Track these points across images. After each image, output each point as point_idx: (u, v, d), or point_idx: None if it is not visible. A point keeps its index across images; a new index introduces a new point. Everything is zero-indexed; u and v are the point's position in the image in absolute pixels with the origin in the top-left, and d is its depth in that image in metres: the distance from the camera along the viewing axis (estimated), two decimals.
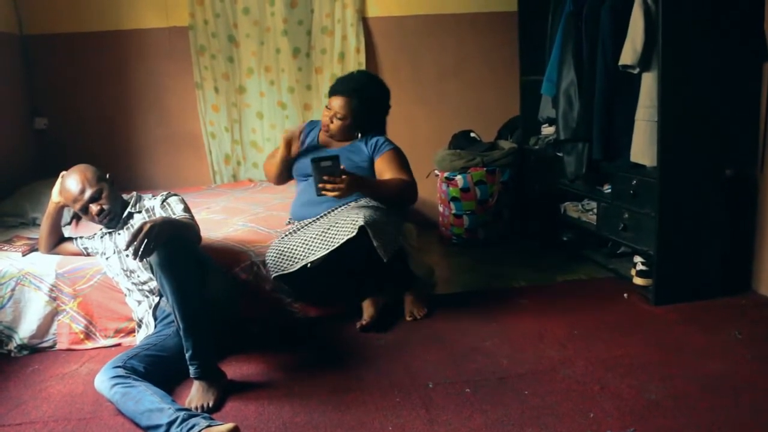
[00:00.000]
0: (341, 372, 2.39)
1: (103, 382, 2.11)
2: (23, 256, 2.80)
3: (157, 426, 1.93)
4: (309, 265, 2.59)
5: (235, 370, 2.42)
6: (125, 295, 2.63)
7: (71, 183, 2.48)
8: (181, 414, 1.93)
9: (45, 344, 2.72)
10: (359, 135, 2.96)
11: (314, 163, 2.53)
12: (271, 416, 2.09)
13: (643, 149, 2.88)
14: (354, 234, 2.49)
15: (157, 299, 2.53)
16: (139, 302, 2.58)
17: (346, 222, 2.56)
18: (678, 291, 2.88)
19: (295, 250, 2.63)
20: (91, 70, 4.25)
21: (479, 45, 4.48)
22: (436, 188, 4.14)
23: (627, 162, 3.02)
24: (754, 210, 2.93)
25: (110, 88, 4.29)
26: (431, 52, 4.47)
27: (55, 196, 2.56)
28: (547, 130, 3.92)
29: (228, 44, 4.29)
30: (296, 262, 2.61)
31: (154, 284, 2.47)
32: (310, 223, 2.79)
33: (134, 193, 2.69)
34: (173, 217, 2.45)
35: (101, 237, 2.67)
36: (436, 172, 4.10)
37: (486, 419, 2.00)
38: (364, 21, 4.36)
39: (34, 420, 2.14)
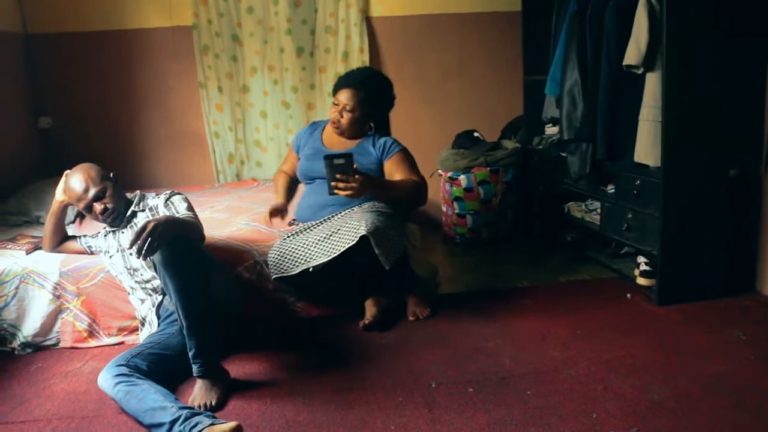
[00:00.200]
0: (344, 371, 2.39)
1: (106, 380, 2.12)
2: (27, 254, 2.80)
3: (160, 424, 1.93)
4: (311, 269, 2.60)
5: (238, 368, 2.42)
6: (128, 293, 2.64)
7: (75, 182, 2.49)
8: (184, 412, 1.94)
9: (48, 342, 2.73)
10: (372, 126, 2.94)
11: (327, 161, 2.51)
12: (273, 415, 2.09)
13: (647, 149, 2.87)
14: (355, 242, 2.51)
15: (160, 298, 2.53)
16: (143, 300, 2.59)
17: (348, 229, 2.56)
18: (681, 291, 2.87)
19: (297, 252, 2.64)
20: (95, 70, 4.26)
21: (483, 45, 4.48)
22: (439, 188, 4.14)
23: (631, 162, 3.02)
24: (758, 210, 2.93)
25: (114, 87, 4.29)
26: (435, 52, 4.47)
27: (59, 194, 2.57)
28: (551, 130, 3.91)
29: (232, 43, 4.30)
30: (297, 266, 2.62)
31: (157, 282, 2.48)
32: (313, 225, 2.79)
33: (138, 192, 2.70)
34: (177, 215, 2.45)
35: (105, 235, 2.67)
36: (440, 171, 4.09)
37: (489, 419, 2.00)
38: (367, 20, 4.36)
39: (37, 418, 2.15)
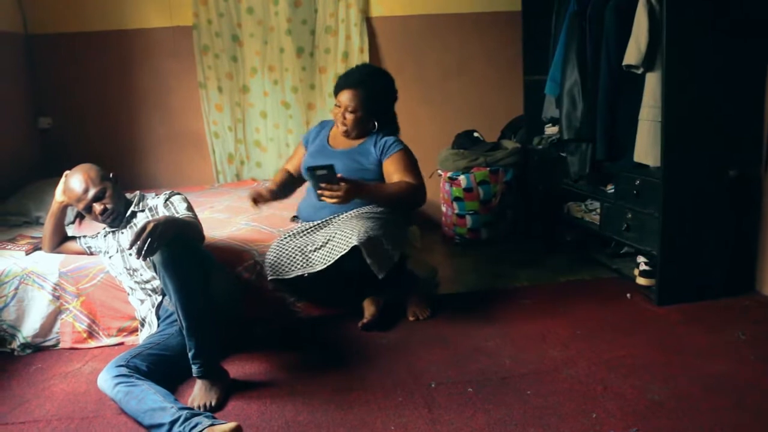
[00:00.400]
0: (344, 371, 2.39)
1: (106, 380, 2.12)
2: (27, 255, 2.80)
3: (160, 425, 1.93)
4: (306, 274, 2.62)
5: (237, 369, 2.42)
6: (128, 294, 2.64)
7: (75, 182, 2.49)
8: (184, 413, 1.94)
9: (48, 343, 2.73)
10: (376, 125, 2.91)
11: (310, 172, 2.53)
12: (273, 415, 2.09)
13: (646, 149, 2.87)
14: (347, 251, 2.51)
15: (160, 298, 2.53)
16: (142, 301, 2.59)
17: (342, 237, 2.57)
18: (681, 291, 2.87)
19: (293, 257, 2.65)
20: (95, 70, 4.26)
21: (483, 45, 4.48)
22: (439, 188, 4.14)
23: (630, 162, 3.02)
24: (757, 210, 2.93)
25: (114, 87, 4.29)
26: (435, 52, 4.47)
27: (59, 195, 2.57)
28: (551, 130, 3.91)
29: (232, 44, 4.30)
30: (293, 270, 2.63)
31: (156, 283, 2.48)
32: (312, 227, 2.79)
33: (137, 192, 2.70)
34: (176, 216, 2.45)
35: (104, 236, 2.67)
36: (440, 171, 4.09)
37: (488, 419, 2.00)
38: (367, 21, 4.36)
39: (37, 418, 2.15)
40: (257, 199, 2.84)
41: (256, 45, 4.30)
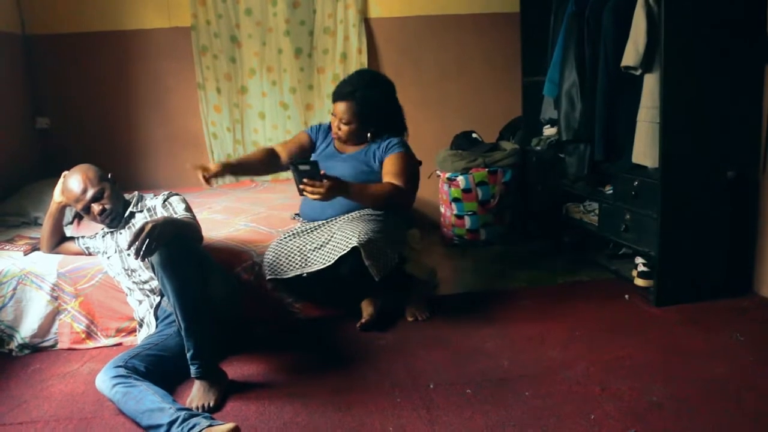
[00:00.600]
0: (342, 372, 2.39)
1: (104, 381, 2.12)
2: (25, 255, 2.80)
3: (158, 426, 1.93)
4: (305, 274, 2.62)
5: (236, 369, 2.42)
6: (126, 294, 2.64)
7: (73, 183, 2.49)
8: (182, 414, 1.94)
9: (46, 343, 2.73)
10: (370, 136, 2.91)
11: (293, 167, 2.52)
12: (271, 416, 2.09)
13: (644, 150, 2.88)
14: (347, 251, 2.52)
15: (158, 299, 2.53)
16: (141, 302, 2.59)
17: (341, 238, 2.58)
18: (679, 292, 2.87)
19: (292, 257, 2.65)
20: (94, 70, 4.26)
21: (481, 46, 4.48)
22: (437, 189, 4.14)
23: (629, 163, 3.02)
24: (755, 211, 2.93)
25: (112, 88, 4.29)
26: (433, 53, 4.47)
27: (57, 195, 2.57)
28: (549, 131, 3.91)
29: (230, 44, 4.30)
30: (291, 270, 2.63)
31: (155, 283, 2.47)
32: (313, 227, 2.79)
33: (136, 193, 2.70)
34: (175, 216, 2.45)
35: (103, 236, 2.67)
36: (438, 172, 4.09)
37: (487, 420, 2.00)
38: (366, 22, 4.37)
39: (35, 419, 2.14)
40: (205, 175, 2.68)
41: (255, 46, 4.30)
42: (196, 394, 2.16)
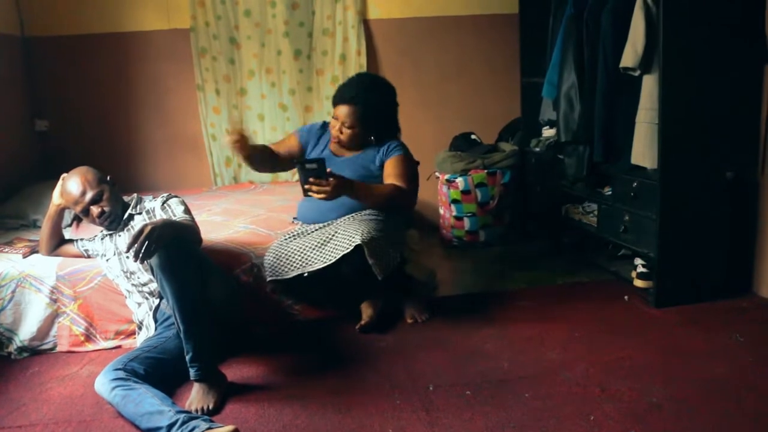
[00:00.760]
0: (342, 374, 2.39)
1: (103, 384, 2.11)
2: (24, 258, 2.80)
3: (158, 428, 1.93)
4: (305, 274, 2.61)
5: (235, 372, 2.41)
6: (125, 297, 2.64)
7: (72, 185, 2.49)
8: (182, 416, 1.93)
9: (45, 346, 2.72)
10: (372, 139, 2.91)
11: (299, 165, 2.52)
12: (271, 418, 2.09)
13: (643, 151, 2.88)
14: (350, 250, 2.52)
15: (157, 301, 2.53)
16: (140, 304, 2.58)
17: (344, 236, 2.57)
18: (679, 293, 2.87)
19: (293, 257, 2.64)
20: (93, 72, 4.25)
21: (480, 47, 4.49)
22: (436, 190, 4.14)
23: (628, 164, 3.02)
24: (754, 212, 2.93)
25: (111, 90, 4.29)
26: (432, 55, 4.47)
27: (56, 198, 2.56)
28: (548, 132, 3.91)
29: (229, 46, 4.30)
30: (292, 270, 2.63)
31: (154, 286, 2.47)
32: (313, 230, 2.79)
33: (135, 195, 2.70)
34: (174, 218, 2.45)
35: (102, 239, 2.67)
36: (437, 174, 4.09)
37: (487, 422, 2.00)
38: (365, 23, 4.37)
39: (34, 422, 2.14)
40: (239, 141, 2.65)
41: (254, 47, 4.30)
42: (196, 396, 2.16)
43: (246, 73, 4.34)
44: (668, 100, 2.70)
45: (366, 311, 2.76)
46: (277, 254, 2.69)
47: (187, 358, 2.17)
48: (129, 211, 2.60)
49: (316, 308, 2.87)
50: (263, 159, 2.89)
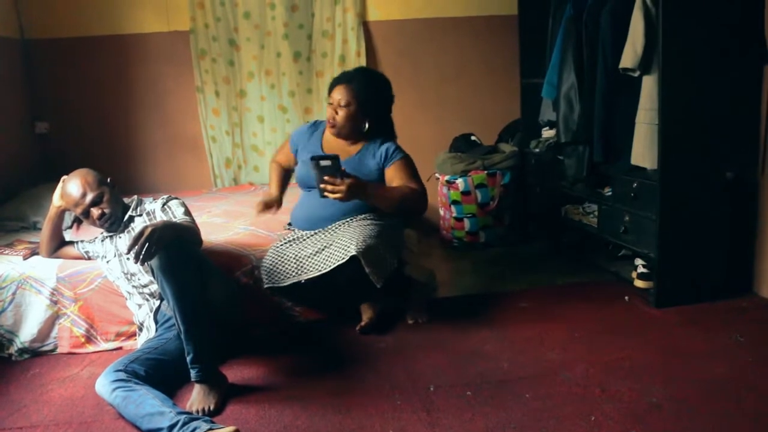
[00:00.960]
0: (342, 375, 2.39)
1: (104, 385, 2.11)
2: (24, 260, 2.80)
3: (158, 429, 1.93)
4: (302, 281, 2.61)
5: (236, 373, 2.41)
6: (126, 298, 2.64)
7: (72, 187, 2.49)
8: (182, 417, 1.94)
9: (46, 348, 2.72)
10: (367, 125, 2.83)
11: (313, 162, 2.44)
12: (271, 419, 2.09)
13: (643, 152, 2.88)
14: (345, 260, 2.50)
15: (157, 303, 2.53)
16: (140, 306, 2.59)
17: (339, 246, 2.55)
18: (679, 294, 2.87)
19: (288, 264, 2.64)
20: (92, 75, 4.26)
21: (480, 48, 4.49)
22: (436, 191, 4.14)
23: (627, 165, 3.02)
24: (754, 213, 2.93)
25: (111, 92, 4.30)
26: (432, 56, 4.48)
27: (57, 200, 2.57)
28: (548, 133, 3.92)
29: (229, 48, 4.30)
30: (288, 278, 2.62)
31: (154, 287, 2.47)
32: (310, 235, 2.76)
33: (135, 197, 2.70)
34: (174, 220, 2.45)
35: (102, 240, 2.67)
36: (437, 175, 4.10)
37: (487, 422, 2.00)
38: (364, 25, 4.37)
39: (35, 424, 2.14)
40: (267, 206, 2.93)
41: (253, 49, 4.31)
42: (196, 397, 2.16)
43: (245, 75, 4.34)
44: (668, 101, 2.71)
45: (366, 312, 2.76)
46: (273, 260, 2.68)
47: (188, 359, 2.17)
48: (129, 213, 2.60)
49: (316, 310, 2.87)
50: (286, 183, 3.10)
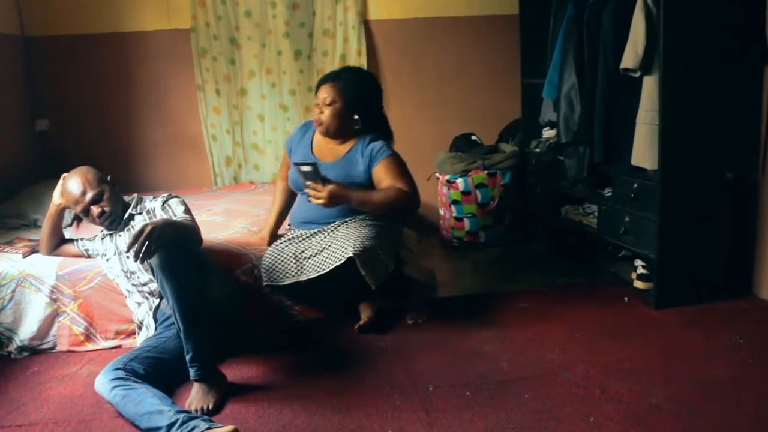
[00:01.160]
0: (341, 374, 2.39)
1: (103, 384, 2.11)
2: (24, 257, 2.80)
3: (157, 428, 1.93)
4: (301, 281, 2.62)
5: (235, 372, 2.41)
6: (125, 296, 2.64)
7: (72, 185, 2.49)
8: (181, 416, 1.93)
9: (45, 346, 2.72)
10: (358, 120, 2.77)
11: (295, 166, 2.48)
12: (270, 418, 2.09)
13: (644, 152, 2.88)
14: (342, 262, 2.50)
15: (157, 301, 2.53)
16: (140, 304, 2.58)
17: (337, 247, 2.56)
18: (679, 294, 2.87)
19: (287, 264, 2.64)
20: (93, 72, 4.25)
21: (480, 48, 4.49)
22: (437, 191, 4.14)
23: (628, 165, 3.02)
24: (755, 214, 2.93)
25: (112, 90, 4.29)
26: (432, 55, 4.47)
27: (57, 198, 2.56)
28: (548, 133, 3.92)
29: (229, 46, 4.30)
30: (287, 278, 2.63)
31: (154, 286, 2.47)
32: (310, 235, 2.76)
33: (135, 195, 2.70)
34: (174, 218, 2.45)
35: (102, 238, 2.67)
36: (437, 175, 4.09)
37: (486, 423, 2.00)
38: (365, 24, 4.37)
39: (34, 422, 2.14)
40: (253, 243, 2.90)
41: (254, 48, 4.30)
42: (195, 396, 2.16)
43: (246, 74, 4.34)
44: (669, 101, 2.70)
45: (365, 311, 2.76)
46: (272, 259, 2.68)
47: (187, 358, 2.17)
48: (129, 211, 2.60)
49: (315, 309, 2.87)
50: (286, 214, 3.02)
